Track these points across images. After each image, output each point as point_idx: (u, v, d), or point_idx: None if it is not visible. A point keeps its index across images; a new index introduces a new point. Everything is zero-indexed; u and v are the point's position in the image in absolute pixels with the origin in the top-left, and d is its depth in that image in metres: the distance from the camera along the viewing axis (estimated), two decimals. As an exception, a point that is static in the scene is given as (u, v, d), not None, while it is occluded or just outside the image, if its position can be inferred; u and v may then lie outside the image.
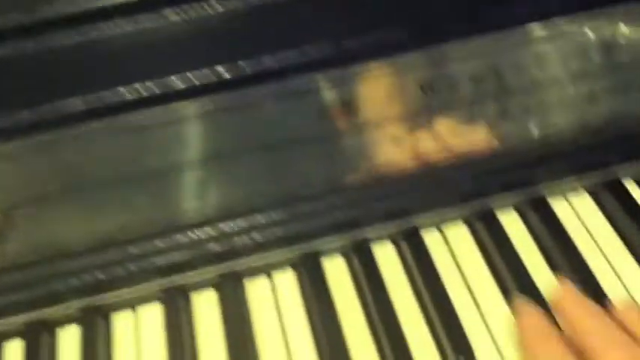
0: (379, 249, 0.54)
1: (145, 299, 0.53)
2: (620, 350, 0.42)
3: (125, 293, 0.52)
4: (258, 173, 0.50)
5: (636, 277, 0.51)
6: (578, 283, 0.49)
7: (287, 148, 0.49)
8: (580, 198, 0.56)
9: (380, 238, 0.54)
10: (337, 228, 0.53)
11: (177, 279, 0.52)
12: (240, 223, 0.52)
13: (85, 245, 0.50)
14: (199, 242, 0.52)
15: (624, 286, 0.50)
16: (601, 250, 0.53)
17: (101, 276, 0.51)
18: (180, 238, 0.51)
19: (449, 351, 0.47)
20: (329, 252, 0.54)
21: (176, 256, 0.51)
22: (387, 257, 0.54)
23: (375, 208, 0.53)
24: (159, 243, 0.51)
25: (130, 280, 0.51)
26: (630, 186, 0.56)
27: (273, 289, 0.53)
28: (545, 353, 0.44)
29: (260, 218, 0.52)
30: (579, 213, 0.55)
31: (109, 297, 0.52)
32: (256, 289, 0.53)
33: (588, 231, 0.54)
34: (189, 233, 0.52)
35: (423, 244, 0.54)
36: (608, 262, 0.52)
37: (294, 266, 0.54)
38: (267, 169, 0.50)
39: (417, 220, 0.54)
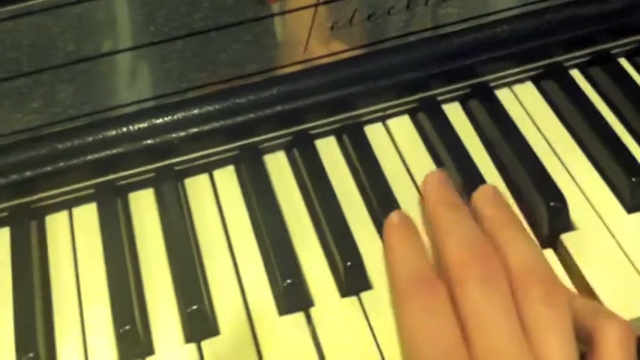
0: (321, 142, 0.53)
1: (79, 199, 0.51)
2: (456, 240, 0.42)
3: (57, 193, 0.50)
4: (189, 61, 0.48)
5: (579, 162, 0.50)
6: (524, 170, 0.48)
7: (217, 33, 0.47)
8: (525, 88, 0.55)
9: (322, 131, 0.53)
10: (278, 122, 0.51)
11: (113, 177, 0.50)
12: (176, 116, 0.50)
13: (10, 141, 0.48)
14: (134, 137, 0.49)
15: (571, 175, 0.50)
16: (546, 138, 0.52)
17: (29, 174, 0.48)
18: (113, 133, 0.49)
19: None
20: (270, 147, 0.53)
21: (109, 153, 0.49)
22: (329, 150, 0.53)
23: (316, 101, 0.51)
24: (90, 138, 0.49)
25: (62, 178, 0.49)
26: (575, 75, 0.55)
27: (214, 186, 0.52)
28: (398, 249, 0.44)
29: (196, 112, 0.50)
30: (524, 103, 0.54)
31: (40, 197, 0.50)
32: (196, 186, 0.52)
33: (533, 120, 0.53)
34: (123, 128, 0.49)
35: (365, 137, 0.52)
36: (553, 151, 0.51)
37: (235, 161, 0.52)
38: (198, 55, 0.47)
39: (359, 112, 0.53)
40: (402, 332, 0.42)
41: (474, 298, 0.40)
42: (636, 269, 0.44)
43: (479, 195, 0.46)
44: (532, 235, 0.45)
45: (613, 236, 0.46)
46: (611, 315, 0.40)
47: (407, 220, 0.46)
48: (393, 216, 0.46)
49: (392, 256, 0.45)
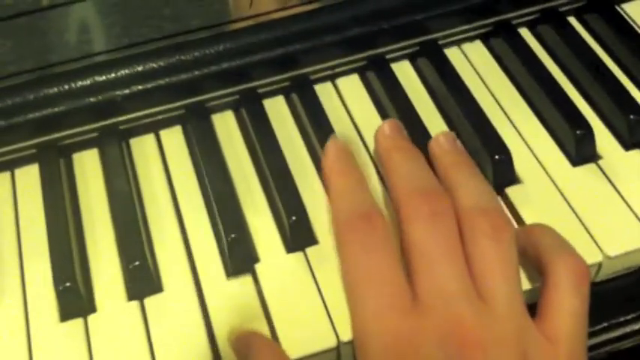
0: (269, 102, 0.52)
1: (21, 159, 0.50)
2: (405, 179, 0.43)
3: (-1, 152, 0.49)
4: (131, 16, 0.47)
5: (525, 117, 0.50)
6: (470, 125, 0.48)
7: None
8: (473, 46, 0.55)
9: (270, 90, 0.52)
10: (224, 79, 0.51)
11: (56, 136, 0.49)
12: (120, 73, 0.49)
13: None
14: (76, 95, 0.48)
15: (517, 131, 0.50)
16: (493, 94, 0.52)
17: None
18: (55, 90, 0.48)
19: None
20: (218, 106, 0.52)
21: (52, 111, 0.48)
22: (277, 110, 0.52)
23: (263, 58, 0.50)
24: (31, 96, 0.48)
25: (2, 137, 0.48)
26: (524, 33, 0.55)
27: (160, 146, 0.51)
28: (338, 184, 0.44)
29: (140, 68, 0.49)
30: (473, 61, 0.54)
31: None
32: (142, 146, 0.51)
33: (481, 77, 0.53)
34: (65, 85, 0.48)
35: (313, 95, 0.52)
36: (500, 107, 0.51)
37: (182, 121, 0.52)
38: (141, 9, 0.46)
39: (307, 70, 0.52)
40: (342, 271, 0.41)
41: (420, 234, 0.39)
42: (581, 222, 0.44)
43: (435, 140, 0.47)
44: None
45: (558, 189, 0.46)
46: (566, 252, 0.40)
47: (345, 151, 0.46)
48: (330, 146, 0.46)
49: (332, 193, 0.45)
